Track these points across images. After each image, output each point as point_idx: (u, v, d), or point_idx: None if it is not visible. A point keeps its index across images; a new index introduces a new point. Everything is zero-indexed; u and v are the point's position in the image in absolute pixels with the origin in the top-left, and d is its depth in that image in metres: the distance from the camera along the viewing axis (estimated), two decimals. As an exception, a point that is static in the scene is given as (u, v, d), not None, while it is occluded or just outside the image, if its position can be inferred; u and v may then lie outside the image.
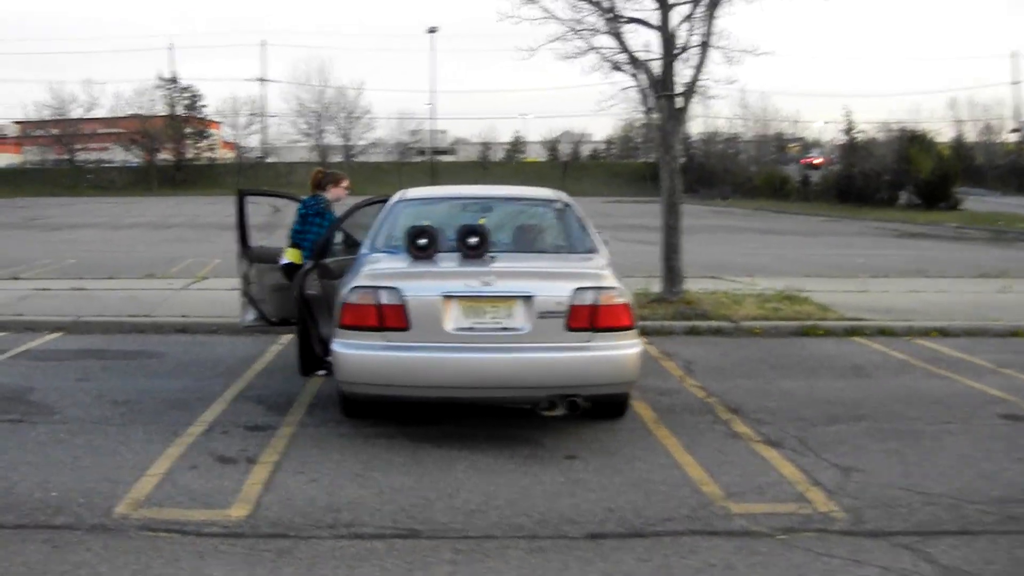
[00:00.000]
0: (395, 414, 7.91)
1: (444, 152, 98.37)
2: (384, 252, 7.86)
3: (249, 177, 78.26)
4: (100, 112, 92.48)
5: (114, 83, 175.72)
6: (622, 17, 14.25)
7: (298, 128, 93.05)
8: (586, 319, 7.02)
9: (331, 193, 9.75)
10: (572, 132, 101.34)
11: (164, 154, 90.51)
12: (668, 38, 14.09)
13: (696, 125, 78.49)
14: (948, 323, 12.96)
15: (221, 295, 14.05)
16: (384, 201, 8.95)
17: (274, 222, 9.37)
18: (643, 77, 14.25)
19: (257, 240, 10.34)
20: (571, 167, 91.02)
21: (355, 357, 7.06)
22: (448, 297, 7.01)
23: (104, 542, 5.34)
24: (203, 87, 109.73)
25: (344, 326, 7.13)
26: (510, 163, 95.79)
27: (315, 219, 9.50)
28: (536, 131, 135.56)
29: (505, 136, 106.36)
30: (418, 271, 7.32)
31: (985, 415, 8.46)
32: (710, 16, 14.04)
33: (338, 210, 9.55)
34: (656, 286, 14.38)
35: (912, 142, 65.47)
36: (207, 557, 5.18)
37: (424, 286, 7.11)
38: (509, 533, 5.59)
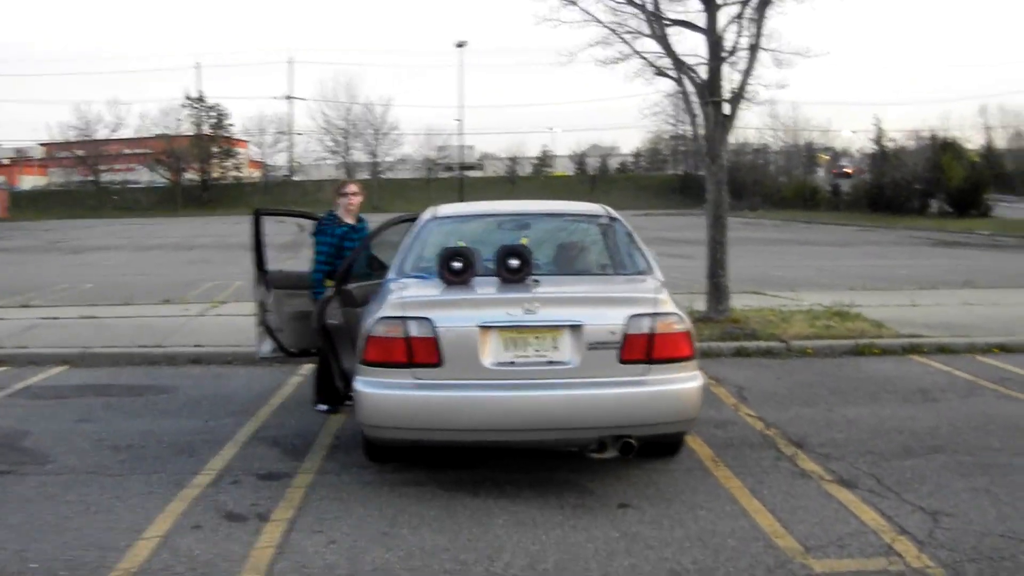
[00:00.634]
0: (424, 457, 7.12)
1: (472, 167, 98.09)
2: (414, 277, 7.05)
3: (276, 196, 78.17)
4: (126, 132, 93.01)
5: (140, 103, 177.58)
6: (666, 19, 13.54)
7: (325, 146, 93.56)
8: (642, 350, 6.22)
9: (339, 206, 9.03)
10: (600, 145, 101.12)
11: (190, 174, 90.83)
12: (715, 40, 13.33)
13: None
14: (1008, 338, 12.27)
15: (239, 321, 13.29)
16: (415, 219, 8.17)
17: (300, 241, 8.80)
18: (688, 83, 13.50)
19: (281, 262, 9.60)
20: (600, 180, 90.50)
21: (380, 397, 6.25)
22: (486, 328, 6.21)
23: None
24: (230, 106, 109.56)
25: (368, 362, 6.33)
26: (538, 177, 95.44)
27: (317, 238, 8.81)
28: (564, 145, 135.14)
29: (533, 151, 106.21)
30: (452, 299, 6.51)
31: (1075, 443, 7.63)
32: (760, 16, 13.29)
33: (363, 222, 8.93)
34: (699, 304, 13.52)
35: (944, 150, 64.82)
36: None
37: (459, 316, 6.30)
38: (560, 606, 4.77)
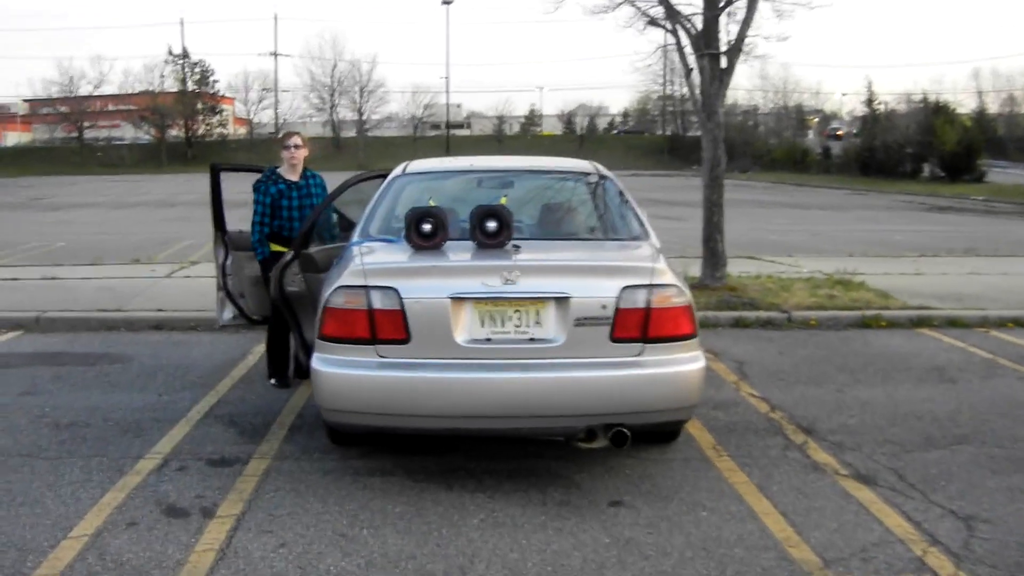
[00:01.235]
0: (394, 441, 6.37)
1: (459, 126, 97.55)
2: (379, 241, 6.29)
3: (261, 153, 77.07)
4: (109, 89, 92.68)
5: (124, 59, 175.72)
6: (660, -36, 12.58)
7: (311, 103, 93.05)
8: (636, 327, 5.46)
9: (283, 160, 8.20)
10: (588, 105, 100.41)
11: (175, 131, 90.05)
12: (712, -12, 12.38)
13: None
14: (1024, 311, 11.53)
15: (206, 284, 12.40)
16: (384, 176, 7.37)
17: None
18: (683, 34, 12.63)
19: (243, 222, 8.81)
20: (587, 140, 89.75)
21: (340, 377, 5.50)
22: (460, 299, 5.44)
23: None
24: (214, 62, 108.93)
25: (325, 337, 5.57)
26: (525, 136, 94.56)
27: (254, 196, 8.03)
28: (552, 104, 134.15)
29: (520, 110, 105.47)
30: (421, 266, 5.74)
31: (1116, 434, 6.90)
32: (761, -37, 12.33)
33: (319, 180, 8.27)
34: (693, 269, 12.65)
35: (936, 113, 64.23)
36: None
37: (429, 285, 5.51)
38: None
